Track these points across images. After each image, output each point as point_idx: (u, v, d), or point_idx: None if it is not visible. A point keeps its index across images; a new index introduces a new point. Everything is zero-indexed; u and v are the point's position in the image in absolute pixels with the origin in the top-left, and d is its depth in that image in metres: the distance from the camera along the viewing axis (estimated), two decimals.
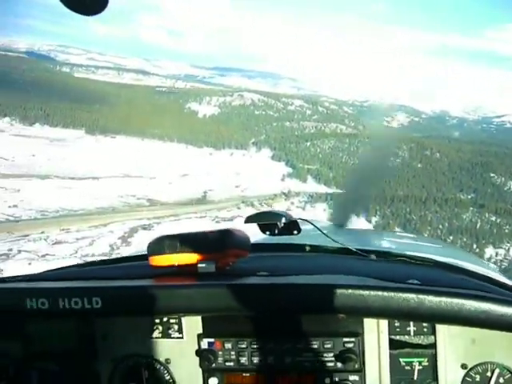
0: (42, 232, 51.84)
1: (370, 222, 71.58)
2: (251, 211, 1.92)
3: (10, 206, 59.75)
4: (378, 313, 1.45)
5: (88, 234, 53.46)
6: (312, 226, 2.02)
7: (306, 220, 1.95)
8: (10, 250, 45.51)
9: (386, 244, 3.13)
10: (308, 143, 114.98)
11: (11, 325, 1.72)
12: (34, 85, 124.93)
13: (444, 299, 1.37)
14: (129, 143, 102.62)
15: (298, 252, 2.08)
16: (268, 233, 1.85)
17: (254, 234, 1.80)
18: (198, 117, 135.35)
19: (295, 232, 1.82)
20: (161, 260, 1.66)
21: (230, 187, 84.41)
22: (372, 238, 3.42)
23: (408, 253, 2.07)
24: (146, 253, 1.70)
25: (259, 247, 1.96)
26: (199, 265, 1.62)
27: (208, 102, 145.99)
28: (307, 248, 2.08)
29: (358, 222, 3.63)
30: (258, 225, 1.84)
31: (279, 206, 72.17)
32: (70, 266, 2.18)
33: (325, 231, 2.07)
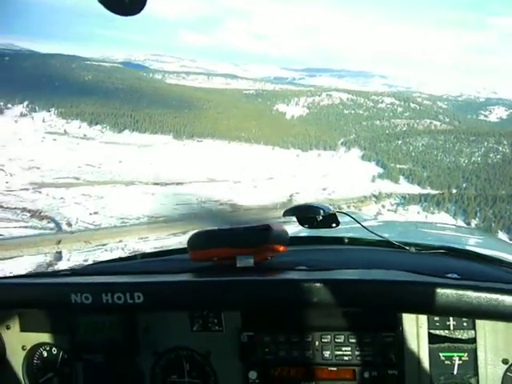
0: (120, 241, 50.11)
1: (469, 224, 65.76)
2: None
3: (91, 214, 58.74)
4: (416, 308, 1.46)
5: (166, 243, 51.07)
6: (351, 219, 2.02)
7: (345, 213, 1.97)
8: (86, 260, 43.74)
9: (426, 236, 3.10)
10: (400, 141, 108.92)
11: (58, 318, 1.78)
12: (125, 93, 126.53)
13: (483, 295, 1.35)
14: (215, 147, 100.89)
15: (336, 245, 2.08)
16: (306, 226, 1.88)
17: (293, 226, 1.86)
18: (285, 118, 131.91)
19: (333, 225, 1.86)
20: (200, 254, 1.69)
21: (317, 190, 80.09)
22: (412, 229, 3.39)
23: (448, 245, 2.03)
24: (186, 246, 1.73)
25: (298, 240, 1.97)
26: (238, 259, 1.64)
27: (296, 102, 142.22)
28: (346, 240, 2.08)
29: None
30: (297, 218, 1.86)
31: (369, 209, 67.61)
32: (113, 260, 2.22)
33: (364, 224, 2.06)
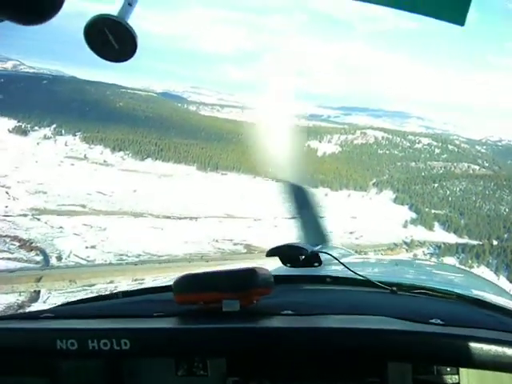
0: (111, 281, 42.98)
1: None
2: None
3: (87, 247, 51.88)
4: (402, 357, 1.46)
5: None
6: (333, 258, 2.10)
7: (327, 252, 2.05)
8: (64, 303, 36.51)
9: (406, 274, 3.07)
10: (436, 185, 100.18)
11: (39, 362, 1.73)
12: (155, 122, 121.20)
13: (467, 344, 1.34)
14: (239, 181, 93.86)
15: (319, 284, 2.11)
16: (289, 265, 1.95)
17: (276, 266, 1.92)
18: (316, 155, 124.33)
19: (316, 264, 1.94)
20: (186, 298, 1.70)
21: (344, 233, 71.88)
22: (392, 268, 3.37)
23: (429, 285, 2.10)
24: (169, 284, 1.76)
25: (281, 279, 1.97)
26: (224, 304, 1.63)
27: (329, 140, 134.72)
28: (328, 280, 2.12)
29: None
30: (280, 257, 1.93)
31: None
32: (93, 298, 2.24)
33: (346, 262, 2.12)
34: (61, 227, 56.57)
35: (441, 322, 1.47)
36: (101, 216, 62.51)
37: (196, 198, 76.68)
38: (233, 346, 1.52)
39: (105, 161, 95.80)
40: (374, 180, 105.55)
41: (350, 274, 2.05)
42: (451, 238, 77.69)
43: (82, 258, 49.13)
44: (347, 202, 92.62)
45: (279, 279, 1.84)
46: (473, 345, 1.32)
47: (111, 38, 1.05)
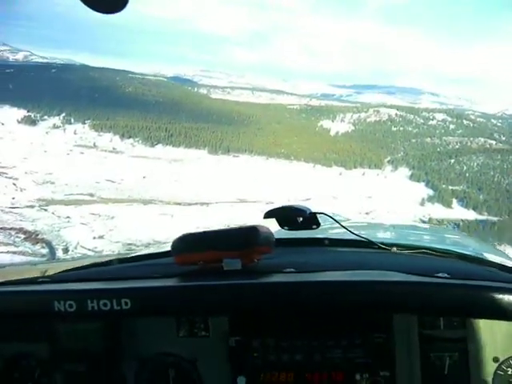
0: None
1: None
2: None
3: (94, 238, 50.05)
4: (408, 309, 1.44)
5: None
6: (332, 220, 2.05)
7: (325, 213, 1.96)
8: None
9: (405, 236, 3.07)
10: (452, 160, 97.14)
11: (37, 326, 1.71)
12: (165, 107, 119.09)
13: (476, 293, 1.35)
14: (251, 163, 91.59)
15: (318, 246, 2.10)
16: (287, 228, 1.88)
17: (273, 228, 1.80)
18: (329, 134, 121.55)
19: (314, 226, 1.87)
20: (186, 258, 1.66)
21: (360, 214, 69.45)
22: (391, 230, 3.35)
23: (430, 245, 2.09)
24: (170, 250, 1.71)
25: (279, 242, 1.89)
26: (224, 262, 1.61)
27: (341, 119, 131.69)
28: (326, 242, 2.10)
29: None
30: (277, 220, 1.86)
31: None
32: (95, 264, 2.21)
33: (344, 224, 2.09)
34: (68, 217, 54.92)
35: (447, 276, 1.45)
36: (109, 204, 60.69)
37: (207, 182, 74.66)
38: (235, 304, 1.50)
39: (114, 148, 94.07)
40: (389, 158, 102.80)
41: (348, 236, 2.01)
42: (470, 215, 75.14)
43: (89, 249, 47.19)
44: (362, 180, 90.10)
45: (277, 241, 1.79)
46: (481, 294, 1.32)
47: None
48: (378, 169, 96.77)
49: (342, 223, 2.07)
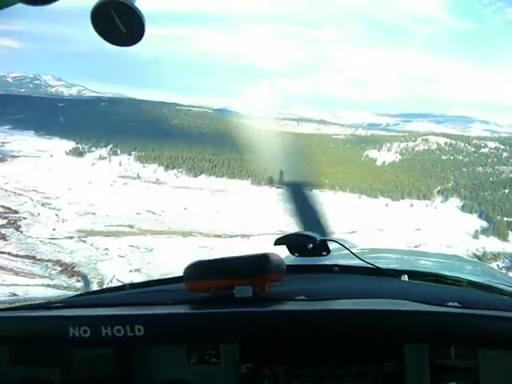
0: None
1: None
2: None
3: (131, 271, 48.26)
4: (419, 338, 1.43)
5: None
6: (342, 247, 2.06)
7: (335, 240, 2.00)
8: None
9: (414, 263, 3.01)
10: (506, 190, 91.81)
11: (50, 351, 1.71)
12: (209, 138, 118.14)
13: (487, 323, 1.33)
14: None
15: (328, 273, 2.10)
16: (297, 254, 1.93)
17: (283, 254, 1.84)
18: (375, 164, 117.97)
19: (324, 253, 1.91)
20: (197, 285, 1.69)
21: (408, 247, 65.72)
22: (400, 257, 3.27)
23: (439, 272, 2.06)
24: (180, 275, 1.74)
25: (290, 268, 1.91)
26: (236, 290, 1.62)
27: (388, 148, 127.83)
28: (336, 269, 2.10)
29: None
30: (288, 246, 1.91)
31: None
32: (102, 290, 2.28)
33: (355, 251, 2.08)
34: (106, 249, 53.53)
35: (458, 305, 1.42)
36: (148, 236, 59.14)
37: (249, 213, 72.51)
38: (246, 331, 1.50)
39: (157, 179, 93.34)
40: (439, 188, 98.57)
41: (358, 263, 1.99)
42: None
43: (122, 283, 45.55)
44: (410, 212, 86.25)
45: (288, 268, 1.80)
46: (492, 324, 1.29)
47: (118, 22, 1.00)
48: (427, 199, 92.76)
49: (353, 250, 2.05)
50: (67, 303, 1.84)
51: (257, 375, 1.58)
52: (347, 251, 2.00)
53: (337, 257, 2.24)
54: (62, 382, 1.66)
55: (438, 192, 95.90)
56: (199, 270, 1.68)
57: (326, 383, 1.53)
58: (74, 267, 47.71)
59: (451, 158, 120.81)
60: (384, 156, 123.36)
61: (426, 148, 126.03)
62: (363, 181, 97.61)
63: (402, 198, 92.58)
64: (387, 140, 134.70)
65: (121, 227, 62.08)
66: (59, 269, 46.85)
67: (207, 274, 1.64)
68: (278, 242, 1.84)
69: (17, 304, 1.85)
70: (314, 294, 1.63)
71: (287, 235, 1.89)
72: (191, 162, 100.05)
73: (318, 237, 1.84)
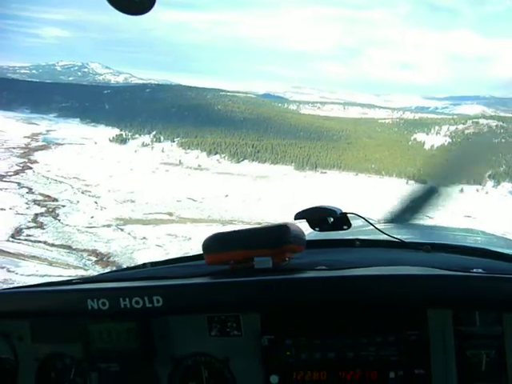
0: None
1: None
2: None
3: None
4: (444, 303, 1.41)
5: None
6: (362, 221, 2.02)
7: (356, 214, 1.90)
8: None
9: (438, 237, 2.98)
10: None
11: (71, 327, 1.70)
12: (253, 123, 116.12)
13: (511, 286, 1.31)
14: (340, 179, 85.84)
15: (349, 247, 2.04)
16: (317, 229, 1.86)
17: (304, 229, 1.79)
18: (423, 148, 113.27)
19: (345, 227, 1.84)
20: (217, 258, 1.67)
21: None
22: (423, 231, 3.22)
23: (463, 244, 2.09)
24: (201, 253, 1.72)
25: (310, 243, 1.88)
26: (255, 261, 1.60)
27: (437, 131, 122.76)
28: (358, 243, 2.04)
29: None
30: (308, 221, 1.84)
31: None
32: (123, 269, 2.25)
33: (376, 226, 2.06)
34: (144, 238, 51.99)
35: (482, 271, 1.41)
36: (187, 224, 57.33)
37: (292, 200, 69.90)
38: (267, 300, 1.48)
39: (199, 165, 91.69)
40: (490, 172, 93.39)
41: (380, 237, 1.95)
42: None
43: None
44: (460, 197, 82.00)
45: (308, 243, 1.77)
46: None
47: None
48: (478, 184, 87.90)
49: (375, 225, 2.03)
50: (86, 279, 1.84)
51: (279, 346, 1.55)
52: (370, 227, 1.98)
53: (359, 233, 2.16)
54: (84, 356, 1.67)
55: (489, 176, 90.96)
56: (218, 243, 1.65)
57: (349, 353, 1.51)
58: (109, 257, 46.35)
59: (503, 140, 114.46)
60: (432, 139, 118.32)
61: (476, 131, 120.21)
62: (411, 165, 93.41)
63: (453, 184, 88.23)
64: (436, 123, 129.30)
65: (160, 215, 60.49)
66: (94, 259, 45.50)
67: (226, 246, 1.62)
68: (298, 216, 1.77)
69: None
70: (334, 264, 1.60)
71: (307, 209, 1.79)
72: (234, 148, 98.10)
73: (338, 210, 1.78)
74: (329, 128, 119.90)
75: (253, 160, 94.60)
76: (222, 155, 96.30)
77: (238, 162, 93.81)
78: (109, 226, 54.47)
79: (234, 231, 1.65)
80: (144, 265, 2.11)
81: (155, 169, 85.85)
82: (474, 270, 1.42)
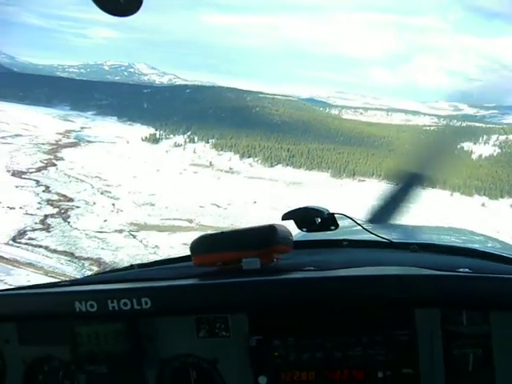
0: None
1: None
2: None
3: None
4: (431, 302, 1.41)
5: None
6: (350, 222, 1.98)
7: (344, 214, 1.88)
8: None
9: (425, 237, 2.95)
10: None
11: (58, 329, 1.68)
12: (290, 126, 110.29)
13: (499, 285, 1.32)
14: (378, 188, 78.48)
15: (336, 247, 2.03)
16: (305, 229, 1.82)
17: (292, 230, 1.78)
18: (470, 158, 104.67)
19: (332, 227, 1.81)
20: (204, 259, 1.64)
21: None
22: (410, 231, 3.22)
23: (450, 244, 2.09)
24: (189, 254, 1.69)
25: (297, 244, 1.85)
26: (244, 262, 1.58)
27: (485, 141, 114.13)
28: (345, 243, 2.03)
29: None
30: (295, 221, 1.80)
31: None
32: (110, 271, 2.21)
33: (364, 226, 2.04)
34: (156, 246, 46.58)
35: (469, 271, 1.43)
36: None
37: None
38: (254, 300, 1.46)
39: (231, 168, 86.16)
40: None
41: (368, 237, 1.94)
42: None
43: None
44: (510, 213, 73.68)
45: (295, 244, 1.75)
46: (503, 287, 1.29)
47: None
48: None
49: (362, 225, 2.01)
50: (73, 282, 1.81)
51: (266, 347, 1.53)
52: (357, 227, 1.95)
53: (346, 233, 2.13)
54: (71, 358, 1.64)
55: None
56: (206, 244, 1.62)
57: (337, 353, 1.50)
58: (113, 267, 41.13)
59: None
60: (480, 149, 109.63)
61: None
62: (456, 176, 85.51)
63: (501, 197, 79.92)
64: (484, 132, 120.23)
65: (178, 221, 55.02)
66: (96, 269, 40.40)
67: (214, 248, 1.59)
68: (286, 217, 1.73)
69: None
70: (322, 265, 1.58)
71: (295, 210, 1.75)
72: (268, 151, 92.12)
73: (325, 211, 1.75)
74: (370, 134, 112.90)
75: (287, 165, 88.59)
76: (256, 158, 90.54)
77: (272, 166, 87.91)
78: (121, 231, 49.27)
79: (222, 232, 1.62)
80: (131, 266, 2.05)
81: (183, 170, 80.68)
82: (461, 270, 1.43)
